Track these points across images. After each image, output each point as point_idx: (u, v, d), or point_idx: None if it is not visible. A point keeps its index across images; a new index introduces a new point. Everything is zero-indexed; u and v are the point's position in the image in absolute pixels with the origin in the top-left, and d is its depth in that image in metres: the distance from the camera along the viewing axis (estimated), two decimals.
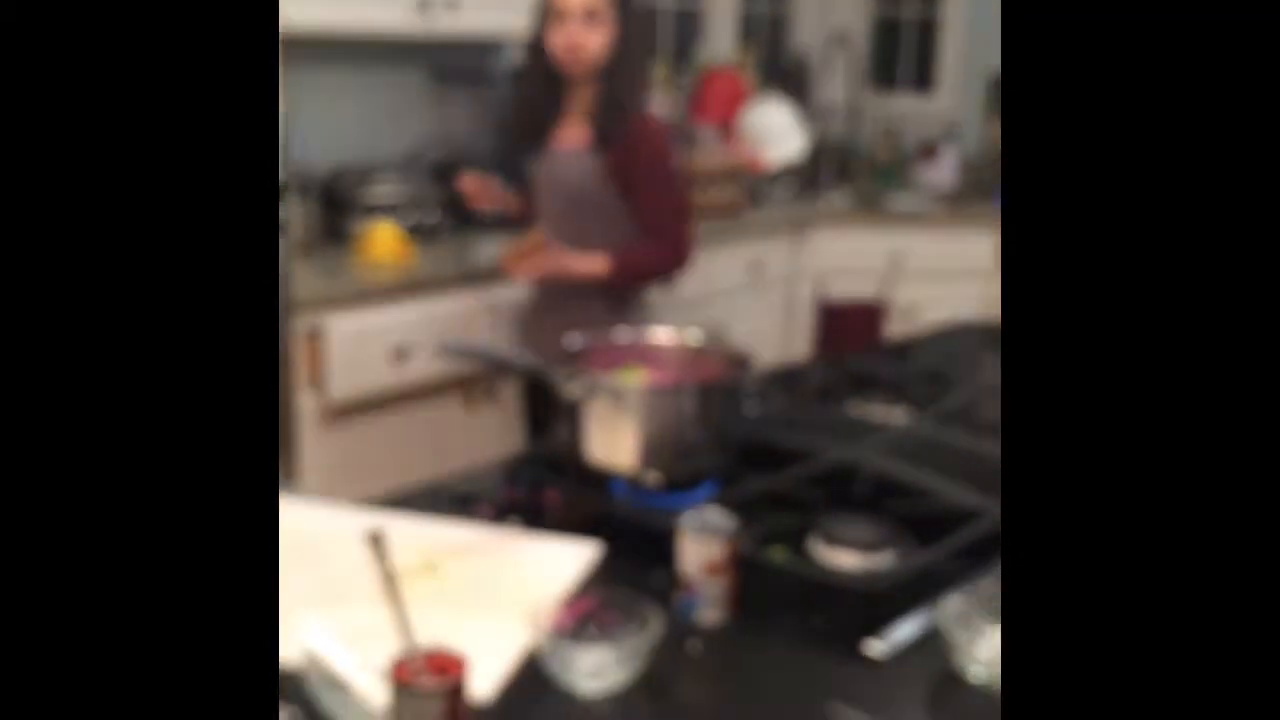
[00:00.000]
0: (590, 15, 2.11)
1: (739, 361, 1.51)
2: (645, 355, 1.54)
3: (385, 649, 0.97)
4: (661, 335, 1.57)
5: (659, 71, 3.78)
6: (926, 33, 4.49)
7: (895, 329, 3.65)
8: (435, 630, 1.01)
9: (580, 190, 2.18)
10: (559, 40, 2.12)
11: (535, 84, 2.24)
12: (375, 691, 0.98)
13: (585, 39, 2.11)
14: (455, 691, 0.94)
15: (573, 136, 2.21)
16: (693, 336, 1.57)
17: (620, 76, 2.16)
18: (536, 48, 2.19)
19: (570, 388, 1.39)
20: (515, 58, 3.20)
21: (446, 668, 0.95)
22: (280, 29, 2.29)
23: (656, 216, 2.18)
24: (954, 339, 2.37)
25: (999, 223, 3.23)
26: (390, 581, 1.01)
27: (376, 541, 1.02)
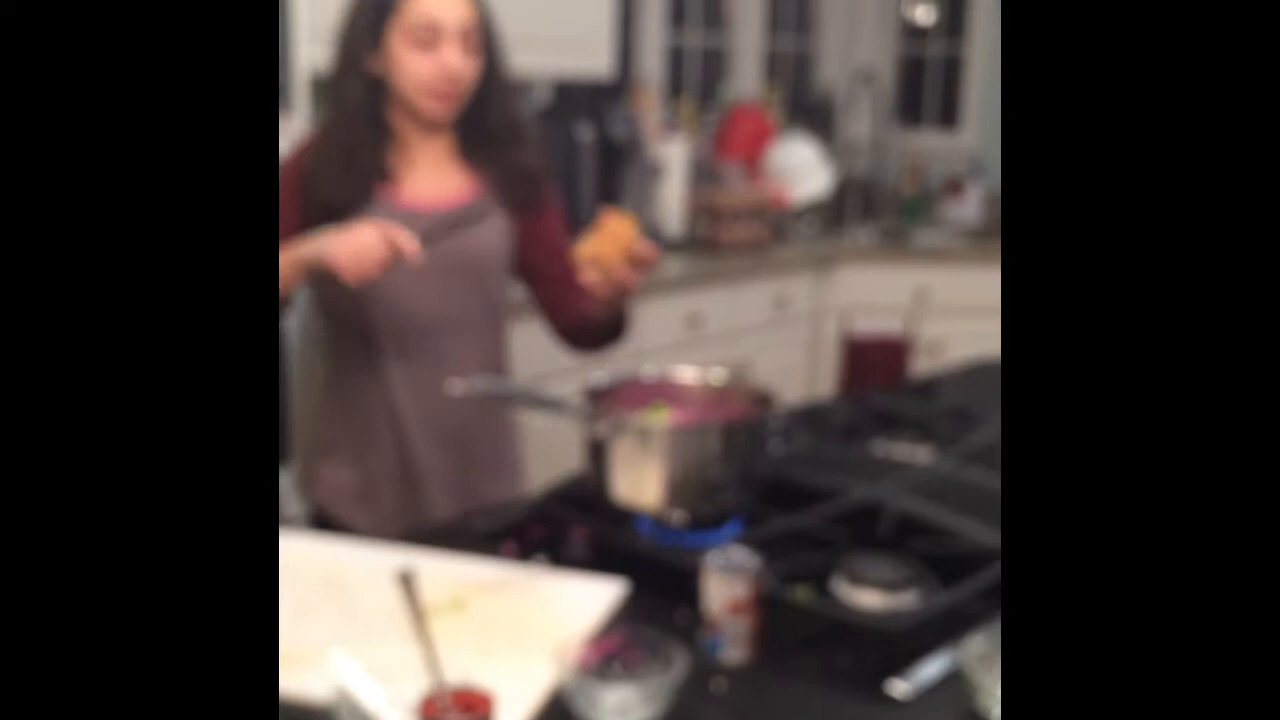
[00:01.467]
0: (465, 37, 1.61)
1: (763, 400, 1.52)
2: (670, 394, 1.56)
3: (414, 686, 0.99)
4: (686, 374, 1.59)
5: (684, 108, 3.82)
6: (952, 69, 4.51)
7: (920, 365, 3.65)
8: (462, 667, 1.02)
9: (494, 254, 1.71)
10: (428, 68, 1.59)
11: (366, 125, 1.64)
12: None
13: (463, 66, 1.61)
14: None
15: (457, 190, 1.71)
16: (717, 375, 1.58)
17: (503, 116, 1.70)
18: (367, 78, 1.62)
19: (596, 427, 1.40)
20: (542, 98, 3.24)
21: (474, 705, 0.97)
22: (311, 72, 2.34)
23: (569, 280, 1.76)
24: (979, 376, 2.36)
25: None
26: (420, 620, 1.02)
27: (407, 581, 1.04)
